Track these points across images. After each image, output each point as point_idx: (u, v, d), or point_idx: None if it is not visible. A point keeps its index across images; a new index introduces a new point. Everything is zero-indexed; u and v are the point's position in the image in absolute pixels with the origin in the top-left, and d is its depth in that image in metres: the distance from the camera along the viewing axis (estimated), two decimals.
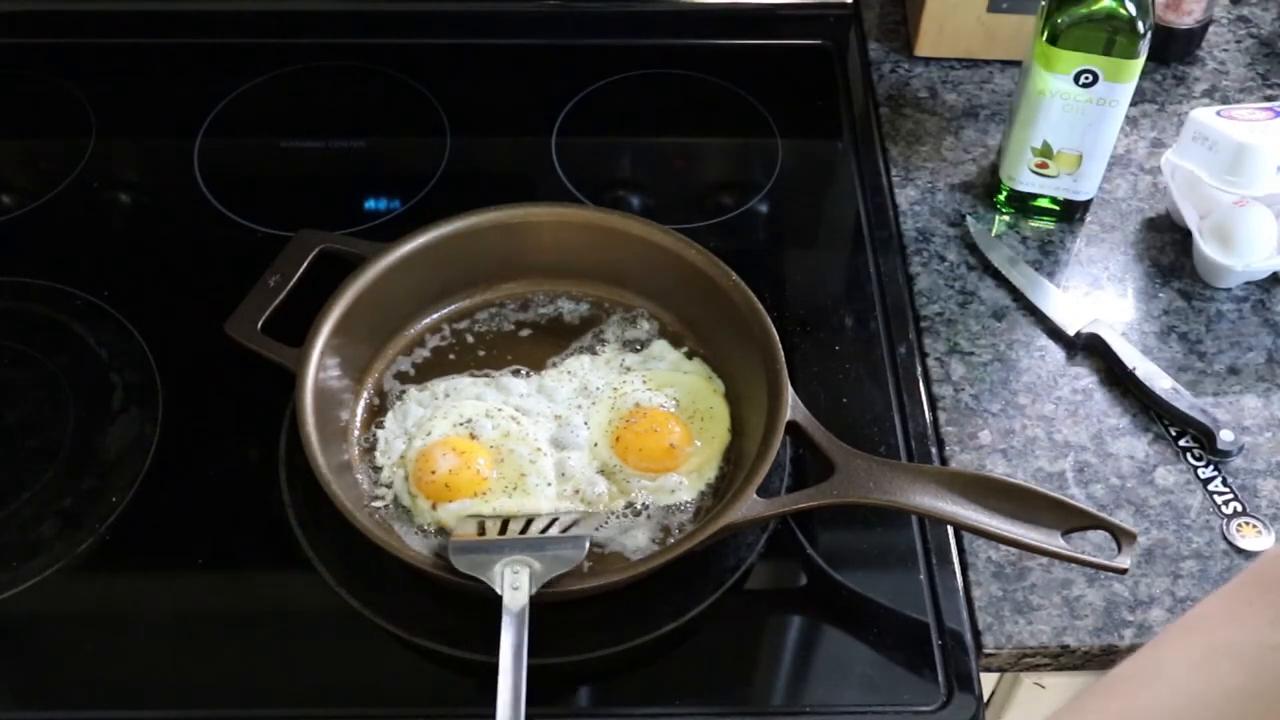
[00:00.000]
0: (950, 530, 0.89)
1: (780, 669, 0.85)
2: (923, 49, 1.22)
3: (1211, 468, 0.94)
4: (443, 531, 0.87)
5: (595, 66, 1.22)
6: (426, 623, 0.84)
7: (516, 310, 1.01)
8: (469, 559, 0.81)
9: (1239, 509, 0.92)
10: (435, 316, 1.00)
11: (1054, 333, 1.02)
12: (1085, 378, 0.99)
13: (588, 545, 0.83)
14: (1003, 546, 0.88)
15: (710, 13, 1.27)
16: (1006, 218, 1.10)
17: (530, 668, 0.84)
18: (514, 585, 0.79)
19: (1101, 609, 0.87)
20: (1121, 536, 0.83)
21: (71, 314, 1.01)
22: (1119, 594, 0.87)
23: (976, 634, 0.85)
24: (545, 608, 0.85)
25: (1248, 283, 1.05)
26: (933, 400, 0.98)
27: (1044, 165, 1.05)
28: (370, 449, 0.92)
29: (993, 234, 1.09)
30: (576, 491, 0.89)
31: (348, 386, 0.94)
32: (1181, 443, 0.95)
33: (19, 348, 0.99)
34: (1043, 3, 0.98)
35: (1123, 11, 0.95)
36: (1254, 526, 0.91)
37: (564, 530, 0.85)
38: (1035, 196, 1.09)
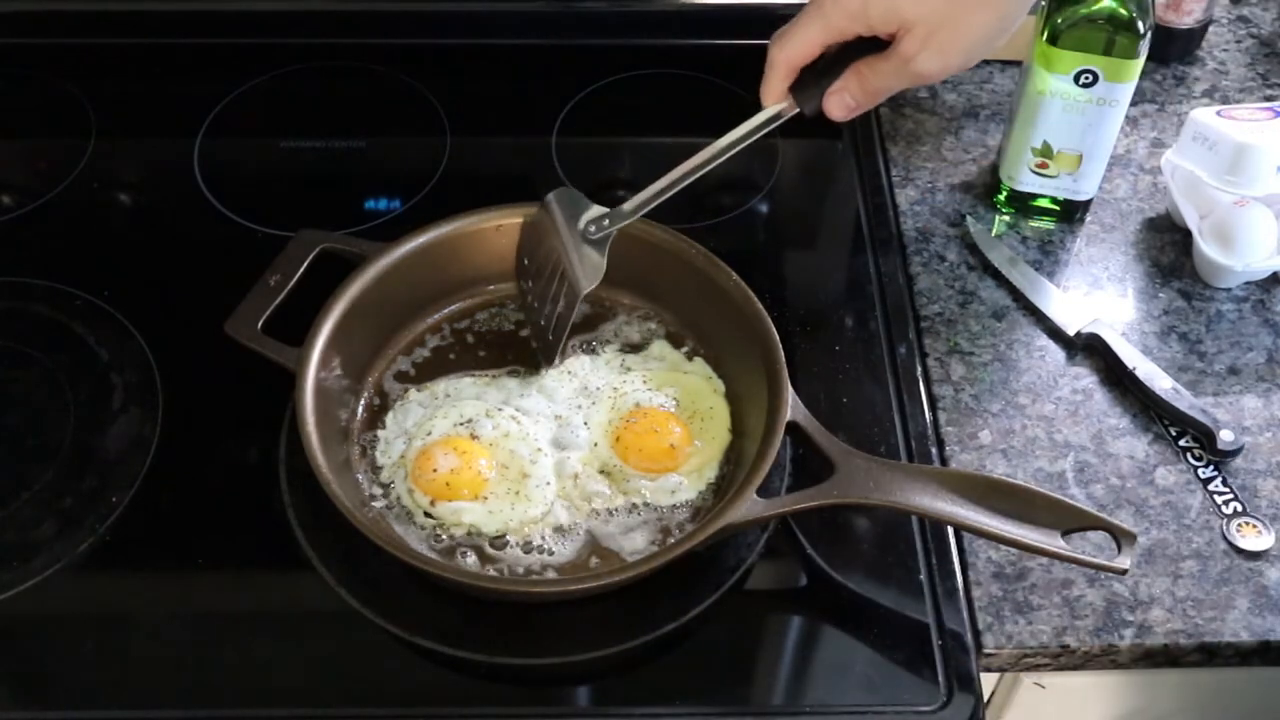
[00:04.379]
0: (950, 530, 0.89)
1: (780, 669, 0.85)
2: None
3: (1211, 468, 0.94)
4: (441, 530, 0.87)
5: (595, 66, 1.22)
6: (426, 623, 0.84)
7: (516, 310, 1.01)
8: None
9: (1239, 509, 0.92)
10: (435, 316, 1.00)
11: (1054, 333, 1.02)
12: (1085, 378, 0.99)
13: None
14: (1003, 546, 0.88)
15: (710, 13, 1.27)
16: (1006, 218, 1.10)
17: (530, 668, 0.84)
18: None
19: (1101, 609, 0.87)
20: (1121, 537, 0.83)
21: (71, 314, 1.01)
22: (1119, 594, 0.87)
23: (976, 634, 0.85)
24: (545, 608, 0.86)
25: (1248, 283, 1.05)
26: (933, 400, 0.98)
27: (1044, 165, 1.06)
28: (370, 449, 0.92)
29: (993, 234, 1.09)
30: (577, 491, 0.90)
31: (348, 386, 0.94)
32: (1181, 443, 0.95)
33: (19, 348, 0.99)
34: (1043, 3, 0.98)
35: (1123, 11, 0.95)
36: (1254, 526, 0.91)
37: None
38: (1035, 196, 1.09)
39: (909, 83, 0.79)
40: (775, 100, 0.83)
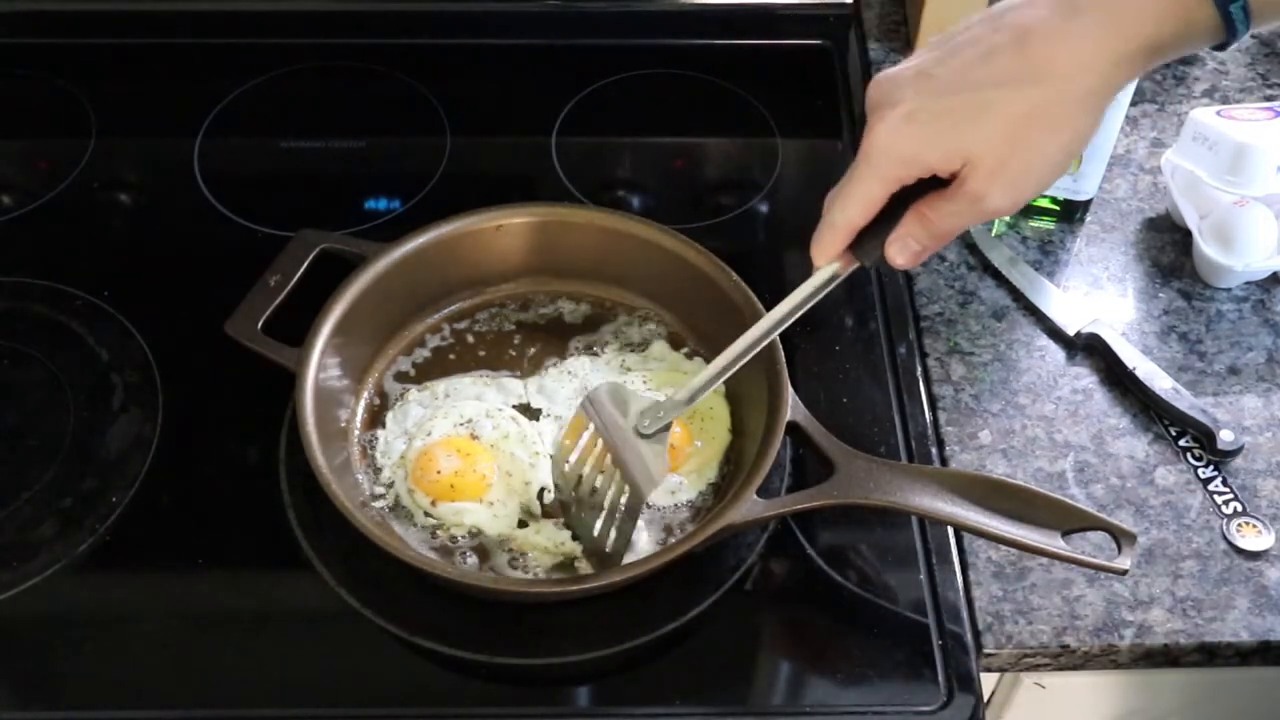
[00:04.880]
0: (950, 530, 0.89)
1: (780, 669, 0.85)
2: None
3: (1211, 468, 0.94)
4: (441, 530, 0.87)
5: (595, 66, 1.22)
6: (426, 623, 0.84)
7: (516, 310, 1.01)
8: None
9: (1239, 509, 0.92)
10: (435, 316, 1.00)
11: (1054, 333, 1.02)
12: (1085, 378, 0.99)
13: None
14: (1003, 546, 0.88)
15: (710, 13, 1.27)
16: (1006, 218, 1.10)
17: (530, 668, 0.84)
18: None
19: (1101, 609, 0.87)
20: (1121, 537, 0.83)
21: (71, 314, 1.01)
22: (1119, 594, 0.87)
23: (976, 634, 0.85)
24: (545, 608, 0.86)
25: (1248, 283, 1.05)
26: (933, 400, 0.98)
27: None
28: (370, 449, 0.92)
29: (993, 234, 1.09)
30: None
31: (348, 386, 0.94)
32: (1181, 443, 0.95)
33: (19, 348, 0.99)
34: None
35: None
36: (1254, 526, 0.91)
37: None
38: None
39: (979, 220, 0.72)
40: (830, 259, 0.76)
